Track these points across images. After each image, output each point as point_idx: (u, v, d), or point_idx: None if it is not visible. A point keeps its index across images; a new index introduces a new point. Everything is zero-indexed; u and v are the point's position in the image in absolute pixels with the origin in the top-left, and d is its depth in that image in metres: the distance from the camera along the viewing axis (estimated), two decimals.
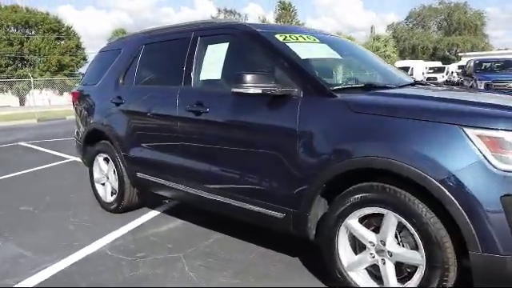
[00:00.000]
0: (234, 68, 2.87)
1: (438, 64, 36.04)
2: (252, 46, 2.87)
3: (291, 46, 2.80)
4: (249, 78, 2.42)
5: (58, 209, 4.24)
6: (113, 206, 3.99)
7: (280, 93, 2.45)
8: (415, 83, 3.26)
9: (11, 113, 20.29)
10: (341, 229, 2.25)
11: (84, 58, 39.75)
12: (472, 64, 16.29)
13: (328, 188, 2.30)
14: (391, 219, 2.06)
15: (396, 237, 2.11)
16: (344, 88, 2.57)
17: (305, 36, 3.11)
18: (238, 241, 3.23)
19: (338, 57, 3.20)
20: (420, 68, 31.07)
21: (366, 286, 2.22)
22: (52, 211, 4.19)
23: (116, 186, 3.91)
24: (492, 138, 1.82)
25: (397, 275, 2.13)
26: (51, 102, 30.06)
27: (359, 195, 2.15)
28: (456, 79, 23.40)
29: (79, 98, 4.52)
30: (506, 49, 40.59)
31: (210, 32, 3.22)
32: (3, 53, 35.08)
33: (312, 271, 2.69)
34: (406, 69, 25.28)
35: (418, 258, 2.00)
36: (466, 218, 1.81)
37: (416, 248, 2.01)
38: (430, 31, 57.05)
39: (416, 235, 1.98)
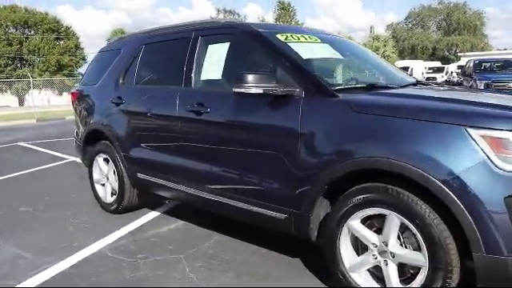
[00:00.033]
0: (235, 68, 2.86)
1: (438, 64, 36.10)
2: (253, 45, 2.86)
3: (293, 45, 2.78)
4: (250, 77, 2.40)
5: (58, 209, 4.22)
6: (113, 207, 3.97)
7: (282, 93, 2.43)
8: (417, 83, 3.25)
9: (10, 113, 20.27)
10: (343, 230, 2.24)
11: (83, 58, 39.75)
12: (472, 64, 16.30)
13: (330, 189, 2.29)
14: (394, 220, 2.05)
15: (399, 238, 2.09)
16: (346, 88, 2.57)
17: (306, 36, 3.10)
18: (239, 242, 3.22)
19: (340, 57, 3.19)
20: (419, 68, 31.12)
21: (368, 287, 2.21)
22: (52, 212, 4.17)
23: (116, 186, 3.89)
24: (495, 138, 1.81)
25: (399, 276, 2.11)
26: (50, 102, 30.04)
27: (361, 196, 2.14)
28: (455, 79, 23.44)
29: (79, 98, 4.50)
30: (504, 49, 40.65)
31: (210, 32, 3.20)
32: (2, 53, 35.05)
33: (313, 272, 2.68)
34: (405, 69, 25.20)
35: (420, 259, 1.99)
36: (470, 218, 1.79)
37: (419, 249, 2.00)
38: (430, 31, 57.12)
39: (419, 236, 1.97)
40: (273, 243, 3.10)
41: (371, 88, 2.63)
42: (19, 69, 36.15)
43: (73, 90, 4.82)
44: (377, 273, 2.21)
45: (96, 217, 3.95)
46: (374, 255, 2.17)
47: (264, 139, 2.56)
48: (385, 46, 42.71)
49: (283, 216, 2.48)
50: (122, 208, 3.90)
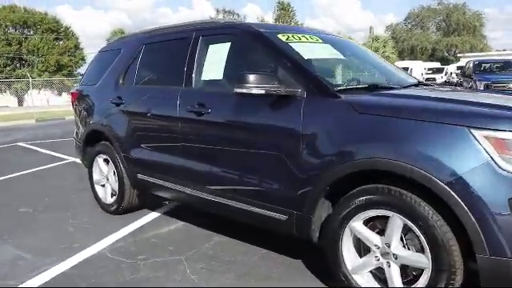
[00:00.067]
0: (235, 68, 2.85)
1: (437, 65, 36.09)
2: (254, 45, 2.85)
3: (294, 46, 2.77)
4: (252, 78, 2.39)
5: (58, 210, 4.21)
6: (113, 208, 3.95)
7: (283, 93, 2.42)
8: (419, 84, 3.24)
9: (9, 113, 20.23)
10: (345, 231, 2.22)
11: (82, 58, 39.67)
12: (471, 65, 16.29)
13: (332, 190, 2.27)
14: (396, 222, 2.04)
15: (401, 239, 2.08)
16: (348, 88, 2.56)
17: (307, 36, 3.09)
18: (240, 243, 3.20)
19: (341, 57, 3.18)
20: (419, 69, 31.08)
21: None
22: (51, 212, 4.15)
23: (116, 187, 3.87)
24: (499, 139, 1.80)
25: (402, 278, 2.10)
26: (50, 102, 30.01)
27: (364, 197, 2.12)
28: (455, 80, 23.41)
29: (79, 98, 4.48)
30: (504, 50, 40.70)
31: (211, 32, 3.18)
32: (1, 53, 34.97)
33: (315, 273, 2.67)
34: (404, 69, 25.23)
35: (423, 260, 1.98)
36: (473, 220, 1.78)
37: (422, 251, 1.99)
38: (429, 32, 57.12)
39: (422, 238, 1.95)
40: (273, 244, 3.09)
41: (373, 88, 2.62)
42: (18, 69, 36.08)
43: (72, 91, 4.81)
44: (379, 274, 2.19)
45: (96, 218, 3.93)
46: (376, 257, 2.16)
47: (265, 140, 2.54)
48: (384, 46, 42.67)
49: (284, 217, 2.47)
50: (122, 209, 3.89)
